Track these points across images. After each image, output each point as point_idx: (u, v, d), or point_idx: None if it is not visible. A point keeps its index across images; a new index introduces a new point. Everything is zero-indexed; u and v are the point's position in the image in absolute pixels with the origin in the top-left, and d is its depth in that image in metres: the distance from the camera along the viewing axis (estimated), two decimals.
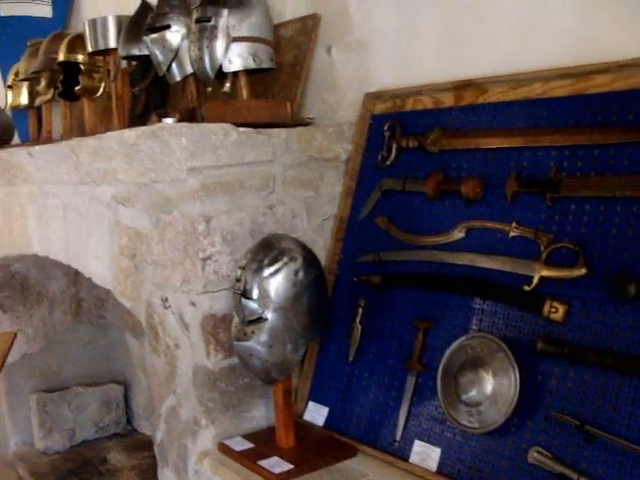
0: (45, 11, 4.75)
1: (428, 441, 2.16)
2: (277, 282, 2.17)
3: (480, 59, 2.33)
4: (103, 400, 4.74)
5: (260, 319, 2.18)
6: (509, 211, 2.13)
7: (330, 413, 2.49)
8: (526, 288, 2.00)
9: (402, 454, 2.20)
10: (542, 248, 2.01)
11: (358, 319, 2.46)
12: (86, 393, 4.69)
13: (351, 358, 2.47)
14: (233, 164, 2.36)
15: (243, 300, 2.18)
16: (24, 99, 4.21)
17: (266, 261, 2.18)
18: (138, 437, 4.77)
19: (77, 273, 3.77)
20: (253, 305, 2.17)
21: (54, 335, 4.71)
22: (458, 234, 2.25)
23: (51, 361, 4.70)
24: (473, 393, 1.98)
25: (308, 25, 2.84)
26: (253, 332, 2.18)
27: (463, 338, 2.06)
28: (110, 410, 4.78)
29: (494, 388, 1.95)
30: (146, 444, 4.51)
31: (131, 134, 2.41)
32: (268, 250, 2.21)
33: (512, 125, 2.19)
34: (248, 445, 2.40)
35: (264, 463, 2.25)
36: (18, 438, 4.66)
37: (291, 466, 2.23)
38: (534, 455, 1.87)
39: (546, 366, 1.93)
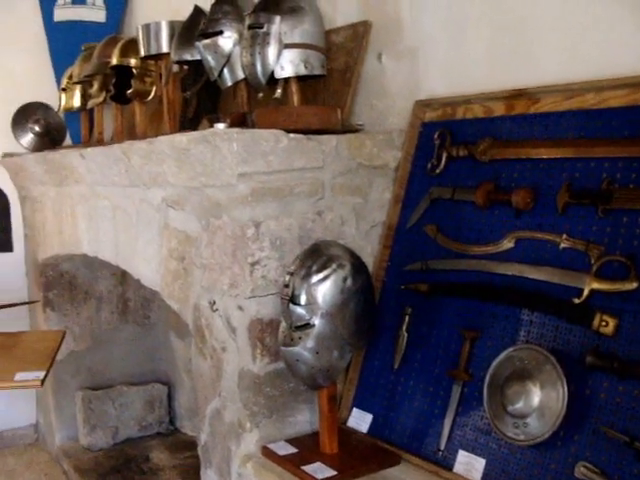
0: (99, 16, 4.82)
1: (473, 451, 2.15)
2: (325, 289, 2.18)
3: (532, 68, 2.31)
4: (147, 399, 4.79)
5: (307, 325, 2.19)
6: (560, 222, 2.12)
7: (374, 420, 2.49)
8: (576, 301, 1.98)
9: (446, 464, 2.19)
10: (593, 260, 1.99)
11: (404, 327, 2.46)
12: (130, 392, 4.75)
13: (396, 365, 2.47)
14: (283, 170, 2.38)
15: (291, 306, 2.19)
16: (77, 102, 4.28)
17: (314, 267, 2.19)
18: (180, 437, 4.81)
19: (124, 273, 3.83)
20: (301, 311, 2.18)
21: (100, 334, 4.78)
22: (507, 244, 2.24)
23: (97, 359, 4.77)
24: (520, 405, 1.96)
25: (359, 32, 2.85)
26: (300, 338, 2.19)
27: (511, 349, 2.05)
28: (153, 409, 4.82)
29: (541, 401, 1.93)
30: (188, 444, 4.56)
31: (183, 139, 2.44)
32: (317, 256, 2.22)
33: (564, 135, 2.17)
34: (291, 450, 2.41)
35: (307, 468, 2.26)
36: (64, 434, 4.73)
37: (334, 472, 2.23)
38: (581, 470, 1.85)
39: (595, 380, 1.91)
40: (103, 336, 4.80)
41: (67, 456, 4.58)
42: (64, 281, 4.63)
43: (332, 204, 2.55)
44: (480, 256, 2.31)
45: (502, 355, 2.05)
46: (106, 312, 4.79)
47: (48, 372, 2.98)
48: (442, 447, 2.22)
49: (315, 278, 2.18)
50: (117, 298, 4.81)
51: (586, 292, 1.97)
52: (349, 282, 2.23)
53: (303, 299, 2.18)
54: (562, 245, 2.08)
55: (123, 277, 4.73)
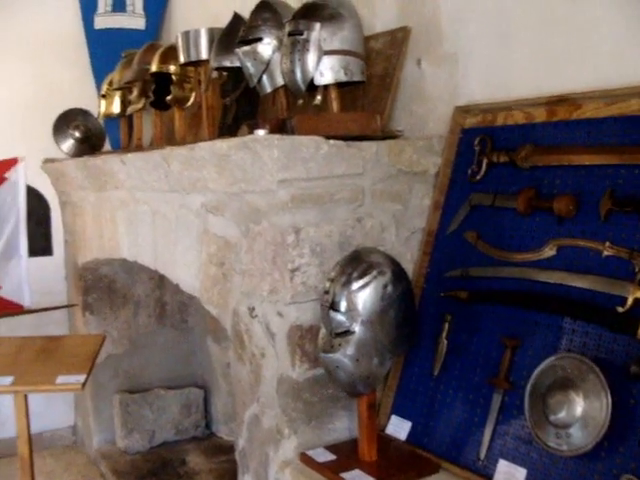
0: (138, 23, 4.88)
1: (513, 461, 2.12)
2: (365, 295, 2.18)
3: (574, 74, 2.29)
4: (183, 403, 4.82)
5: (347, 332, 2.19)
6: (602, 230, 2.09)
7: (413, 427, 2.48)
8: (620, 309, 1.95)
9: (486, 473, 2.17)
10: (637, 269, 1.96)
11: (444, 334, 2.45)
12: (167, 396, 4.78)
13: (436, 373, 2.45)
14: (323, 177, 2.38)
15: (331, 313, 2.19)
16: (116, 108, 4.32)
17: (355, 274, 2.19)
18: (216, 441, 4.82)
19: (162, 277, 3.86)
20: (341, 318, 2.18)
21: (138, 337, 4.81)
22: (549, 252, 2.22)
23: (134, 363, 4.81)
24: (562, 415, 1.94)
25: (398, 37, 2.85)
26: (340, 345, 2.19)
27: (553, 358, 2.02)
28: (190, 413, 4.85)
29: (584, 410, 1.90)
30: (224, 448, 4.57)
31: (223, 145, 2.45)
32: (357, 263, 2.22)
33: (607, 142, 2.15)
34: (330, 457, 2.40)
35: (346, 475, 2.26)
36: (101, 436, 4.78)
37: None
38: None
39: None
40: (141, 340, 4.84)
41: (104, 458, 4.62)
42: (103, 285, 4.67)
43: (372, 211, 2.54)
44: (521, 263, 2.29)
45: (544, 364, 2.03)
46: (144, 316, 4.83)
47: (89, 376, 3.02)
48: (482, 456, 2.21)
49: (355, 285, 2.18)
50: (154, 302, 4.85)
51: (630, 301, 1.94)
52: (389, 289, 2.22)
53: (343, 306, 2.18)
54: (605, 253, 2.05)
55: (161, 281, 4.76)
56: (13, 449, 3.29)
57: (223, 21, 3.14)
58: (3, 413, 4.58)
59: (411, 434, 2.47)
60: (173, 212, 3.18)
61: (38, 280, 4.87)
